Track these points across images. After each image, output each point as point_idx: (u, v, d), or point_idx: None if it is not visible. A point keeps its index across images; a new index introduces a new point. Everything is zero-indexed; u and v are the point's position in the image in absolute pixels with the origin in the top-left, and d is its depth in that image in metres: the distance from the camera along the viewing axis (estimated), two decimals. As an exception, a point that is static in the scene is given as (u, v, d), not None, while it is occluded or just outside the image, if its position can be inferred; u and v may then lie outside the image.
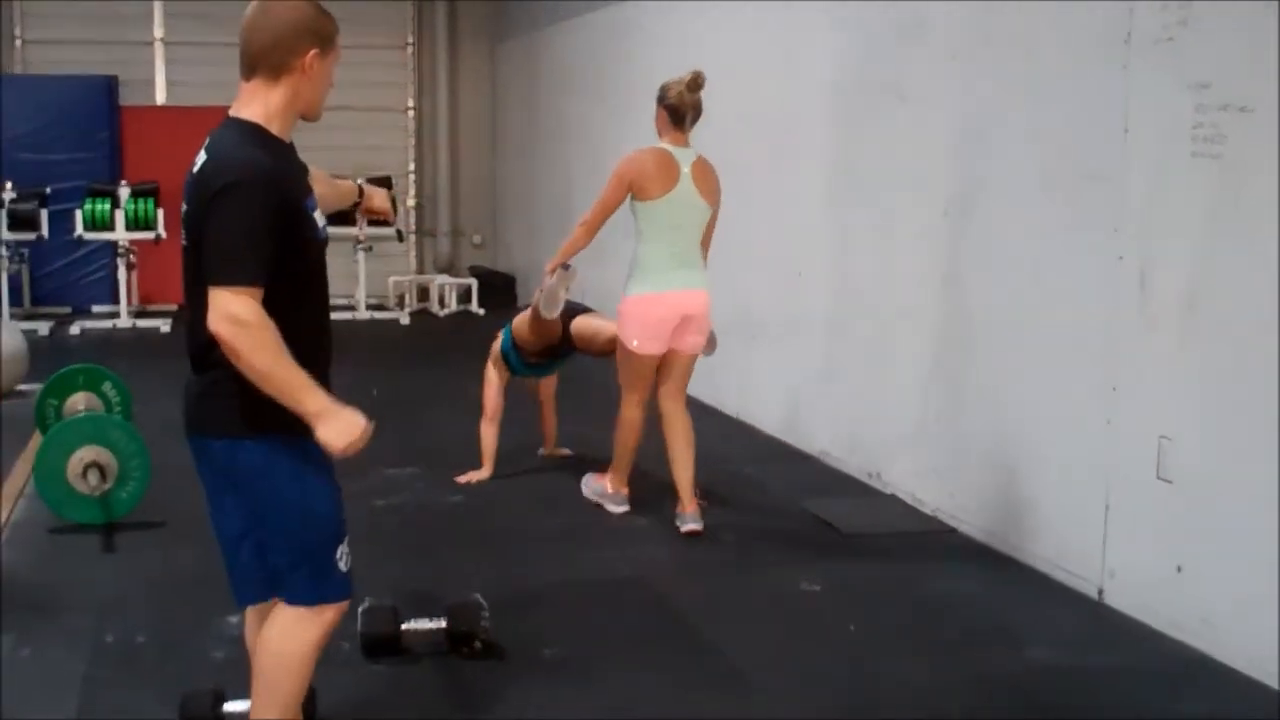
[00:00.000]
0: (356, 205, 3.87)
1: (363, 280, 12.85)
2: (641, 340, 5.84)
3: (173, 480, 6.22)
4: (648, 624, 4.86)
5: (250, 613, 3.44)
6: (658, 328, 5.82)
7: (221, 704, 3.97)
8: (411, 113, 14.73)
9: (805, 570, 5.36)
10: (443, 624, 4.49)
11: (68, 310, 12.82)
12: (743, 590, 5.23)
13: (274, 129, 3.08)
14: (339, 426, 2.96)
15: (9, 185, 11.86)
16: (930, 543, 5.79)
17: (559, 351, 6.74)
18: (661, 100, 5.90)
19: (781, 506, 6.30)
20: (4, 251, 11.74)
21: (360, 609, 4.47)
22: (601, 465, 6.39)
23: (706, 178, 5.88)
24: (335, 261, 14.75)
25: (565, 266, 6.03)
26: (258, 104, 3.07)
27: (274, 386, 2.92)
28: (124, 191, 11.87)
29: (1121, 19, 4.79)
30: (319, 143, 15.10)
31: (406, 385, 9.44)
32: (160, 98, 13.72)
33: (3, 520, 5.96)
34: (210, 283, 2.91)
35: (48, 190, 11.94)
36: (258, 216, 2.92)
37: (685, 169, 5.81)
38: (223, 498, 3.22)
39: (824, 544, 5.78)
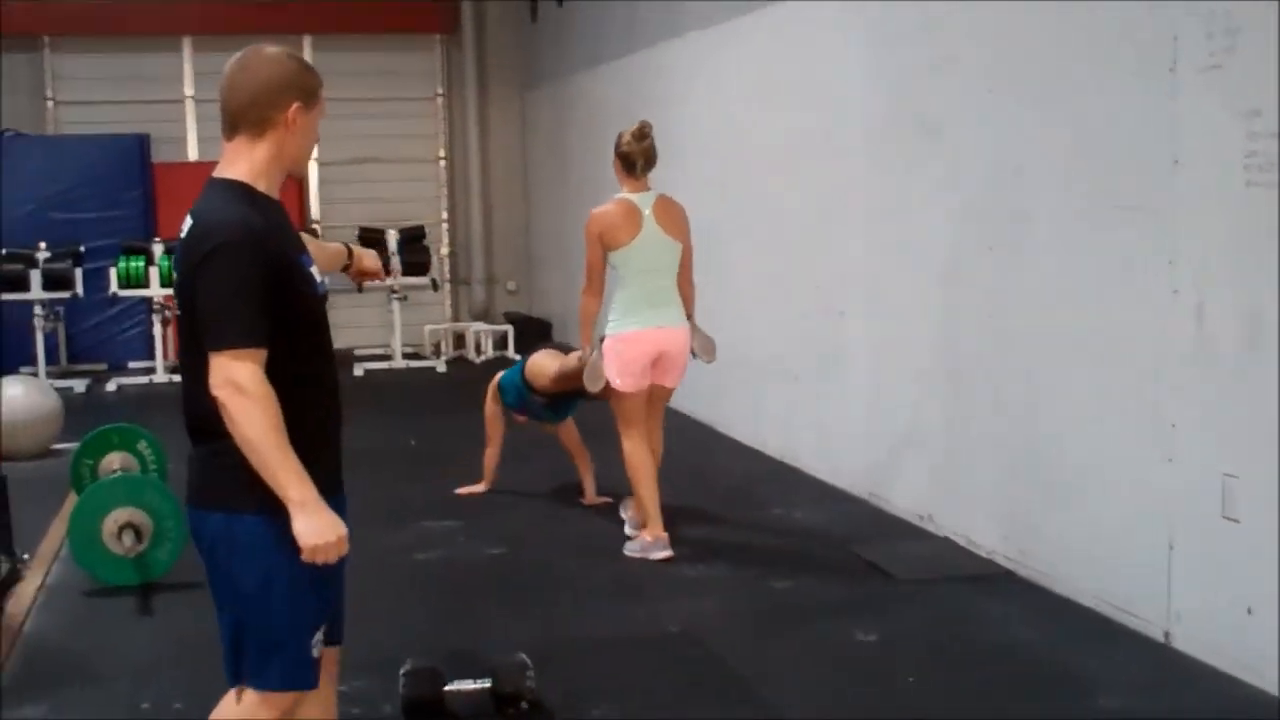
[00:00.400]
0: (347, 268, 3.72)
1: (398, 329, 12.80)
2: (622, 378, 6.08)
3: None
4: (698, 681, 4.71)
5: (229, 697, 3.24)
6: (635, 365, 6.08)
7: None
8: (443, 162, 14.73)
9: (859, 619, 5.21)
10: (487, 685, 4.39)
11: (104, 367, 12.81)
12: (796, 642, 5.08)
13: (261, 187, 2.99)
14: (317, 524, 2.87)
15: (43, 245, 11.86)
16: (986, 586, 5.62)
17: (567, 396, 6.87)
18: (615, 150, 6.15)
19: (831, 551, 6.15)
20: (39, 310, 11.73)
21: (401, 670, 4.38)
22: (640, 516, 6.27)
23: (671, 216, 6.15)
24: (371, 312, 14.91)
25: (603, 339, 6.20)
26: (242, 162, 2.99)
27: (261, 461, 2.82)
28: (157, 248, 11.86)
29: (1166, 47, 4.66)
30: (353, 195, 15.28)
31: (444, 434, 9.34)
32: (192, 154, 13.75)
33: (37, 584, 5.87)
34: (209, 348, 2.83)
35: (82, 249, 11.94)
36: (249, 277, 2.83)
37: (647, 212, 6.09)
38: (214, 571, 3.09)
39: (877, 590, 5.62)
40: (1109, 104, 5.03)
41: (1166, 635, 4.82)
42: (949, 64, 6.11)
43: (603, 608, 5.50)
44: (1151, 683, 4.56)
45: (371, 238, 12.98)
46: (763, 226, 8.30)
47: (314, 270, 3.07)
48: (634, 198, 6.10)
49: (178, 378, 10.35)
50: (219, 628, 3.09)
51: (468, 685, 4.38)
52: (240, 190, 2.96)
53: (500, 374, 7.17)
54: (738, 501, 7.23)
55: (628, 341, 6.07)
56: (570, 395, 6.85)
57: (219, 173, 3.02)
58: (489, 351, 13.40)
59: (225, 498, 2.95)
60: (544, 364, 6.96)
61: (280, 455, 2.82)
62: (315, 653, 3.07)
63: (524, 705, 4.34)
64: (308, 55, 14.01)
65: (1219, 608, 4.58)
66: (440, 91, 14.64)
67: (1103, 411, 5.14)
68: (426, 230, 13.43)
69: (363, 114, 13.96)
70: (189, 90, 13.79)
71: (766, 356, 8.27)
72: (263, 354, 2.84)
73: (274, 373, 2.85)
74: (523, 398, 7.03)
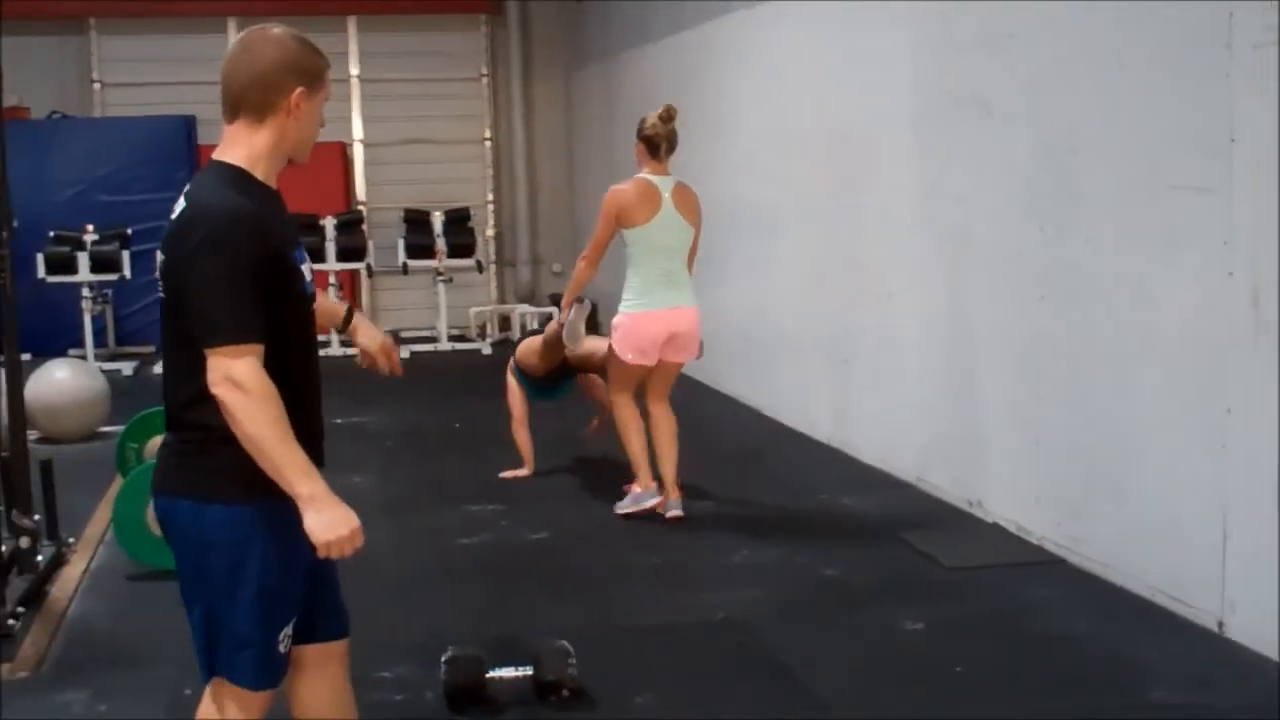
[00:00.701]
0: (341, 329, 3.60)
1: (444, 312, 12.79)
2: (635, 354, 6.37)
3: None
4: (743, 669, 4.66)
5: (213, 684, 3.11)
6: (649, 342, 6.35)
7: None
8: (488, 143, 14.68)
9: (907, 607, 5.13)
10: (529, 671, 4.34)
11: (151, 349, 12.85)
12: (842, 631, 5.01)
13: (258, 173, 2.89)
14: (329, 519, 2.76)
15: (91, 227, 11.92)
16: (1037, 575, 5.53)
17: (562, 374, 7.29)
18: (639, 133, 6.41)
19: (879, 539, 6.06)
20: (87, 293, 11.79)
21: (443, 657, 4.34)
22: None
23: (687, 201, 6.39)
24: (416, 294, 14.91)
25: (580, 301, 6.64)
26: (241, 147, 2.89)
27: (266, 459, 2.73)
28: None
29: (1221, 24, 4.54)
30: (398, 177, 15.26)
31: (489, 417, 9.25)
32: (239, 136, 13.78)
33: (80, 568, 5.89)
34: (205, 345, 2.72)
35: (129, 231, 11.99)
36: (244, 268, 2.73)
37: (666, 195, 6.32)
38: (182, 564, 3.01)
39: (925, 578, 5.54)
40: (1164, 81, 4.91)
41: (1220, 625, 4.71)
42: (1002, 40, 5.98)
43: (647, 594, 5.45)
44: (1204, 673, 4.46)
45: (416, 219, 13.01)
46: (810, 206, 8.21)
47: (305, 268, 2.97)
48: (655, 179, 6.33)
49: None
50: (188, 622, 3.01)
51: (509, 672, 4.34)
52: (237, 175, 2.87)
53: (510, 363, 7.51)
54: (786, 487, 7.17)
55: (643, 320, 6.33)
56: (563, 373, 7.25)
57: (217, 155, 2.92)
58: (534, 333, 13.37)
59: (194, 486, 2.87)
60: (530, 343, 7.36)
61: (286, 450, 2.73)
62: (282, 649, 2.98)
63: (566, 693, 4.29)
64: (353, 36, 14.06)
65: (1274, 597, 4.47)
66: (485, 72, 14.58)
67: (1156, 396, 5.04)
68: (472, 212, 13.42)
69: (408, 95, 13.97)
70: (234, 72, 13.81)
71: (816, 340, 8.19)
72: (260, 348, 2.74)
73: (269, 368, 2.76)
74: (530, 384, 7.37)
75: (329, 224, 12.42)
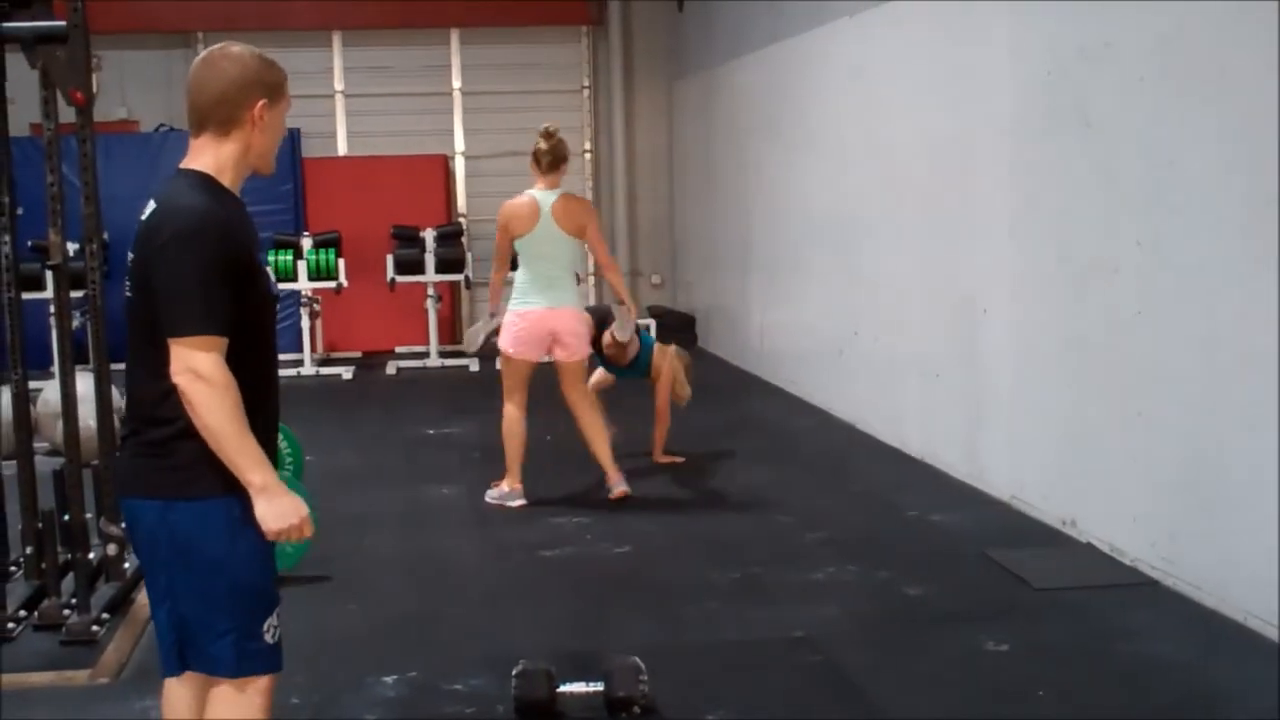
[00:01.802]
0: None
1: (541, 324, 12.79)
2: (513, 346, 7.02)
3: (340, 535, 6.24)
4: (819, 689, 4.58)
5: (169, 684, 3.20)
6: (524, 337, 6.98)
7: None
8: (588, 155, 14.70)
9: (990, 629, 5.02)
10: (600, 687, 4.31)
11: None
12: (922, 651, 4.90)
13: (225, 181, 3.02)
14: (279, 508, 2.91)
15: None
16: (1130, 597, 5.37)
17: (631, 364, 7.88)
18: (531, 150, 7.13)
19: (966, 557, 5.94)
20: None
21: (514, 671, 4.34)
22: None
23: (568, 213, 7.00)
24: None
25: (491, 315, 7.29)
26: (208, 156, 3.02)
27: (221, 448, 2.84)
28: (306, 242, 12.04)
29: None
30: (498, 189, 15.32)
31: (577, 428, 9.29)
32: (342, 149, 13.96)
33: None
34: (170, 335, 2.83)
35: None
36: (211, 265, 2.84)
37: (546, 208, 6.97)
38: (152, 563, 3.07)
39: (1012, 599, 5.41)
40: (1266, 95, 4.74)
41: (1319, 653, 4.55)
42: (1100, 50, 5.84)
43: (725, 610, 5.38)
44: (1298, 703, 4.30)
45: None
46: (905, 219, 8.10)
47: (269, 269, 3.09)
48: (538, 194, 7.02)
49: (324, 370, 10.66)
50: (155, 621, 3.09)
51: (580, 687, 4.32)
52: (204, 181, 2.98)
53: None
54: (873, 502, 7.06)
55: (520, 317, 6.99)
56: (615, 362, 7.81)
57: (184, 165, 3.03)
58: (632, 345, 13.34)
59: (162, 485, 2.95)
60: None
61: (240, 440, 2.85)
62: (270, 637, 3.06)
63: (636, 710, 4.25)
64: (455, 50, 14.17)
65: (1376, 626, 4.31)
66: (586, 84, 14.61)
67: (1258, 417, 4.86)
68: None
69: (509, 107, 14.00)
70: (339, 85, 13.98)
71: (908, 354, 8.07)
72: (223, 342, 2.84)
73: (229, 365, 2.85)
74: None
75: (429, 236, 12.51)
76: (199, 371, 2.80)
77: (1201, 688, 4.48)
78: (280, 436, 6.81)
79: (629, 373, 7.89)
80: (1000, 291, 6.88)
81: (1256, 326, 4.84)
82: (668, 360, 7.69)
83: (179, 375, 2.81)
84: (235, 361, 2.88)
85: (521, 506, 7.01)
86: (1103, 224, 5.86)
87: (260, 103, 3.01)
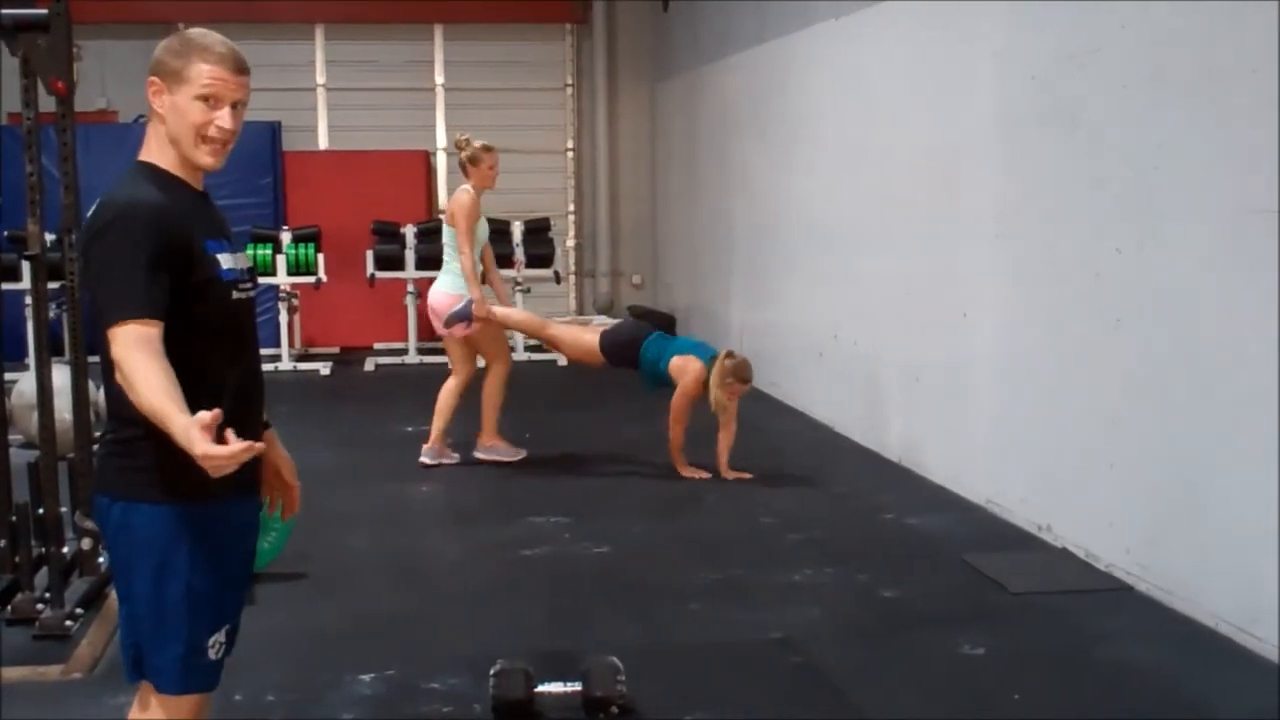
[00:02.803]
0: None
1: (521, 322, 12.78)
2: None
3: (318, 532, 6.20)
4: (797, 691, 4.59)
5: (142, 688, 3.10)
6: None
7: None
8: (571, 154, 14.69)
9: (967, 632, 5.03)
10: (577, 687, 4.30)
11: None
12: (899, 654, 4.91)
13: (166, 166, 2.98)
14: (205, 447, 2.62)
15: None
16: (1105, 602, 5.39)
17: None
18: None
19: (943, 561, 5.95)
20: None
21: (492, 670, 4.32)
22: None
23: (449, 207, 8.05)
24: (494, 303, 14.90)
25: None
26: (147, 143, 3.01)
27: (148, 399, 2.67)
28: (285, 236, 12.01)
29: (1311, 38, 4.41)
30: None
31: (561, 428, 9.30)
32: (323, 143, 13.93)
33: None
34: (105, 324, 2.77)
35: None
36: (139, 252, 2.78)
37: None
38: (114, 563, 3.02)
39: (988, 603, 5.42)
40: (1251, 100, 4.76)
41: (1291, 659, 4.58)
42: (1088, 53, 5.84)
43: (704, 611, 5.38)
44: (1267, 707, 4.31)
45: (496, 229, 13.01)
46: (888, 221, 8.10)
47: (223, 256, 2.97)
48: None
49: (302, 365, 10.61)
50: (120, 623, 3.03)
51: (558, 687, 4.31)
52: (146, 170, 2.96)
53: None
54: (853, 504, 7.07)
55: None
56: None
57: (139, 155, 3.02)
58: (612, 345, 13.33)
59: (126, 485, 2.90)
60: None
61: (166, 399, 2.65)
62: (213, 655, 2.99)
63: (614, 710, 4.25)
64: (439, 46, 14.13)
65: (1350, 634, 4.34)
66: (570, 82, 14.60)
67: (1233, 423, 4.89)
68: (552, 222, 13.41)
69: (492, 104, 14.00)
70: (320, 79, 13.97)
71: (888, 356, 8.09)
72: (154, 324, 2.76)
73: (180, 359, 2.76)
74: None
75: (409, 232, 12.47)
76: (128, 344, 2.72)
77: (1175, 691, 4.50)
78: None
79: (651, 382, 7.65)
80: (982, 295, 6.89)
81: (1236, 334, 4.86)
82: (691, 371, 7.33)
83: (115, 355, 2.74)
84: (202, 349, 2.85)
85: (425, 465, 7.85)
86: (1086, 229, 5.88)
87: (155, 88, 2.95)
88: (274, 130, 13.17)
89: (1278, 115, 4.58)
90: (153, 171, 2.95)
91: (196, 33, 3.01)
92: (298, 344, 12.74)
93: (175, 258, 2.84)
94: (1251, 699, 4.40)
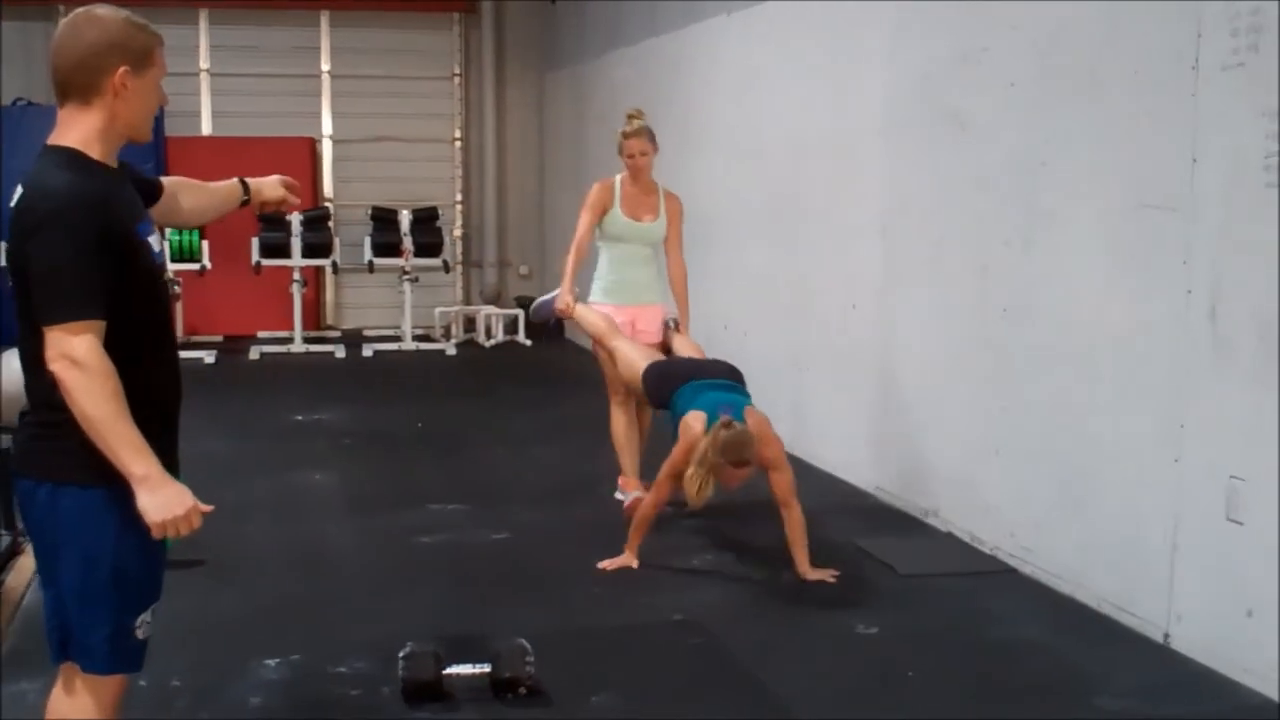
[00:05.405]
0: (246, 203, 3.54)
1: (408, 311, 12.79)
2: None
3: (213, 520, 6.13)
4: (699, 669, 4.71)
5: (64, 670, 3.10)
6: None
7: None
8: (458, 143, 14.68)
9: (861, 613, 5.20)
10: (486, 669, 4.37)
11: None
12: (797, 634, 5.07)
13: (94, 154, 2.88)
14: (162, 498, 2.78)
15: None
16: (989, 583, 5.61)
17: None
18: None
19: (836, 546, 6.11)
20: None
21: (401, 653, 4.37)
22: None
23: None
24: (381, 292, 14.80)
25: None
26: (74, 130, 2.88)
27: (100, 438, 2.73)
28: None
29: (1189, 45, 4.62)
30: (366, 174, 15.20)
31: (452, 417, 9.33)
32: (206, 128, 13.76)
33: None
34: (43, 322, 2.73)
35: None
36: (81, 246, 2.73)
37: None
38: (40, 546, 3.02)
39: (880, 585, 5.60)
40: (1132, 100, 4.98)
41: (1166, 636, 4.80)
42: (977, 54, 6.03)
43: (606, 595, 5.48)
44: (1150, 684, 4.54)
45: (384, 218, 13.00)
46: (779, 215, 8.26)
47: (152, 240, 2.96)
48: None
49: (185, 354, 10.28)
50: (44, 606, 3.02)
51: (467, 669, 4.37)
52: (72, 157, 2.86)
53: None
54: (746, 491, 7.13)
55: None
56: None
57: (52, 140, 2.90)
58: (499, 336, 13.38)
59: (51, 469, 2.88)
60: None
61: (120, 430, 2.73)
62: (141, 635, 3.00)
63: (523, 690, 4.33)
64: (325, 32, 14.01)
65: (1219, 610, 4.57)
66: (457, 71, 14.58)
67: (1115, 410, 5.12)
68: (440, 212, 13.42)
69: (378, 92, 13.97)
70: (204, 64, 13.78)
71: (778, 348, 8.24)
72: (100, 325, 2.75)
73: (109, 344, 2.76)
74: None
75: (295, 220, 12.39)
76: (74, 358, 2.70)
77: (1062, 667, 4.70)
78: None
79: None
80: (871, 288, 7.08)
81: (1118, 326, 5.08)
82: (690, 435, 5.64)
83: (54, 362, 2.71)
84: (124, 339, 2.81)
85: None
86: (973, 224, 6.08)
87: (121, 70, 2.85)
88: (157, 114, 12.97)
89: (1156, 115, 4.81)
90: (77, 158, 2.86)
91: (118, 11, 2.92)
92: (180, 332, 12.59)
93: (116, 246, 2.81)
94: (1134, 673, 4.62)
